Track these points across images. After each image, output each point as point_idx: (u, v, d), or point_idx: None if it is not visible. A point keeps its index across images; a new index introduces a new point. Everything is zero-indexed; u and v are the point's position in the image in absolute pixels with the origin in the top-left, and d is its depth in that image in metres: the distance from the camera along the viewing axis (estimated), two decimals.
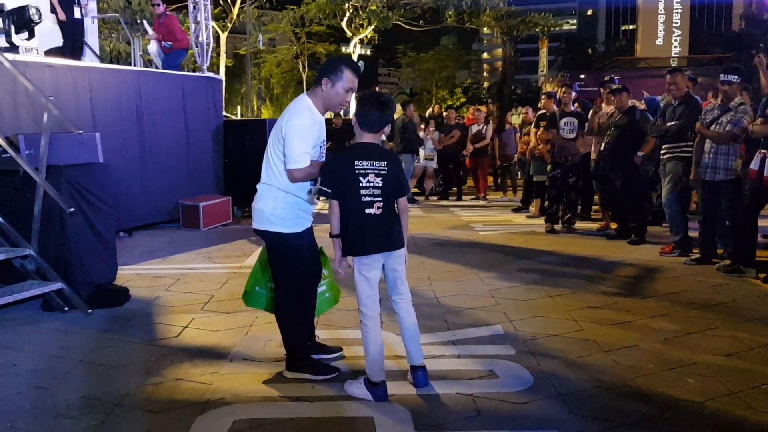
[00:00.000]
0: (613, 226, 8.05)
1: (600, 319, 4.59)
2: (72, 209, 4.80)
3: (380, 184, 3.20)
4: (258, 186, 3.47)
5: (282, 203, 3.38)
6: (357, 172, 3.17)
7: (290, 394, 3.35)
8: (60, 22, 8.41)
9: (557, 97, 8.89)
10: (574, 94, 8.57)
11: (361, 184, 3.17)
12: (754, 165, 5.61)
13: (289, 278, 3.48)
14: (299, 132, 3.27)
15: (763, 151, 5.54)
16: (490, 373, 3.59)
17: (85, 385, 3.51)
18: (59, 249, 4.90)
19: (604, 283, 5.65)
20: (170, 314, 4.79)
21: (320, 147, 3.44)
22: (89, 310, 4.76)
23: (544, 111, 9.30)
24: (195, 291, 5.42)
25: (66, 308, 4.78)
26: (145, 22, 11.11)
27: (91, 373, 3.68)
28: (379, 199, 3.20)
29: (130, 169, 8.02)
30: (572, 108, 8.25)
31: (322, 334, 4.09)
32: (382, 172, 3.20)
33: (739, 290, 5.36)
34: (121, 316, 4.75)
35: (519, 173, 11.95)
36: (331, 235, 3.28)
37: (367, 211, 3.19)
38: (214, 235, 8.26)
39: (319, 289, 3.75)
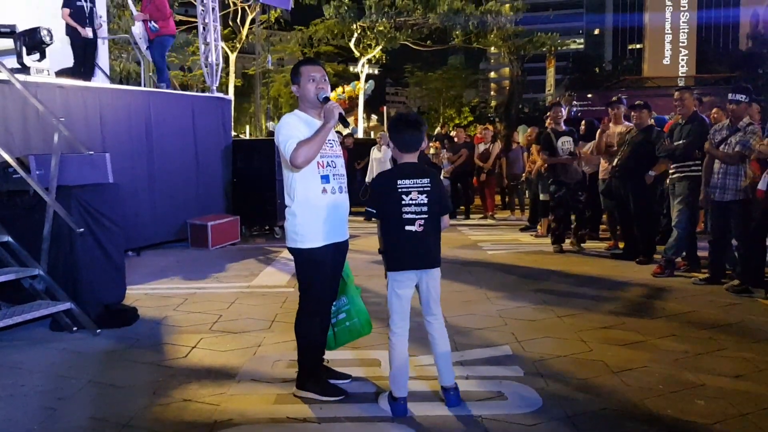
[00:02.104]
0: (621, 245, 8.02)
1: (609, 339, 4.57)
2: (81, 229, 4.83)
3: (425, 201, 3.29)
4: (286, 209, 3.55)
5: (300, 219, 3.43)
6: (400, 190, 3.29)
7: (298, 415, 3.35)
8: (72, 44, 8.54)
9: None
10: (563, 112, 8.61)
11: (403, 202, 3.28)
12: (761, 185, 5.60)
13: (313, 291, 3.51)
14: (281, 130, 3.38)
15: None
16: (498, 394, 3.58)
17: (93, 406, 3.51)
18: (68, 269, 4.93)
19: (613, 304, 5.62)
20: (178, 334, 4.80)
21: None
22: (98, 330, 4.77)
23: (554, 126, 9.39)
24: (203, 311, 5.43)
25: (74, 328, 4.79)
26: (130, 1, 10.58)
27: (99, 393, 3.68)
28: (424, 216, 3.29)
29: (139, 188, 8.08)
30: (563, 127, 8.24)
31: (340, 354, 4.07)
32: (426, 189, 3.30)
33: (748, 311, 5.32)
34: (130, 336, 4.76)
35: (526, 192, 11.95)
36: (380, 251, 3.44)
37: (407, 228, 3.28)
38: (223, 254, 8.28)
39: (339, 317, 3.74)
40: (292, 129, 3.37)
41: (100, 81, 9.39)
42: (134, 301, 5.56)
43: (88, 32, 8.51)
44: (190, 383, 3.79)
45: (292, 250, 3.51)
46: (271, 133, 20.48)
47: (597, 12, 73.58)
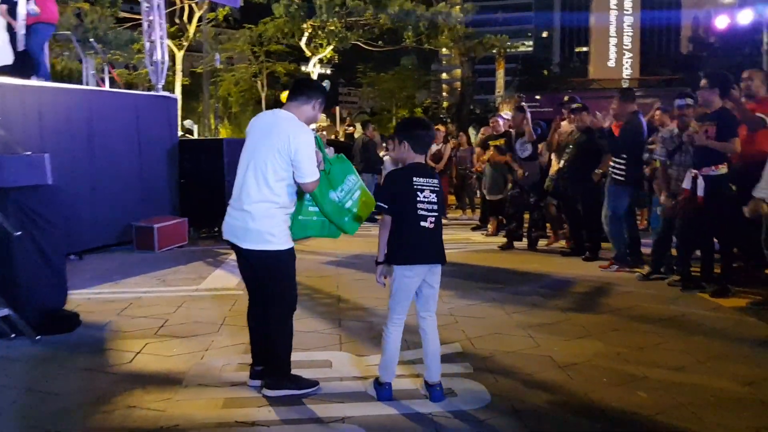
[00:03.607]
0: (563, 243, 8.22)
1: (556, 334, 4.66)
2: (19, 232, 4.66)
3: (435, 200, 3.45)
4: (248, 207, 3.47)
5: (278, 221, 3.48)
6: (415, 187, 3.42)
7: (247, 419, 3.30)
8: (11, 42, 8.21)
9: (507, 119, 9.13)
10: (501, 123, 8.95)
11: (418, 199, 3.41)
12: (686, 184, 5.72)
13: (290, 291, 3.61)
14: (311, 147, 3.49)
15: (694, 171, 5.67)
16: (448, 391, 3.60)
17: (33, 415, 3.39)
18: (5, 274, 4.73)
19: (560, 300, 5.73)
20: (122, 340, 4.67)
21: None
22: (37, 337, 4.60)
23: (492, 132, 9.58)
24: (148, 315, 5.29)
25: (12, 335, 4.60)
26: None
27: (40, 402, 3.56)
28: (434, 214, 3.44)
29: (80, 190, 7.82)
30: (524, 128, 8.41)
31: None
32: (435, 188, 3.46)
33: (688, 305, 5.49)
34: (71, 342, 4.61)
35: (477, 192, 12.07)
36: (377, 263, 3.50)
37: (422, 224, 3.41)
38: (169, 257, 8.10)
39: (355, 195, 3.75)
40: (313, 146, 3.51)
41: (39, 79, 9.06)
42: (76, 307, 5.37)
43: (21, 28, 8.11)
44: (134, 389, 3.69)
45: (266, 253, 3.47)
46: (190, 131, 20.12)
47: (545, 10, 75.11)
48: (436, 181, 3.48)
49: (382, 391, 3.51)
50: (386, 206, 3.45)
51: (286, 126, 3.47)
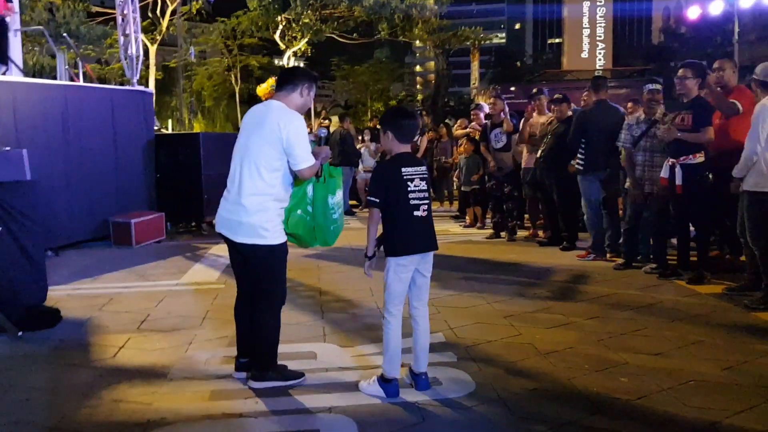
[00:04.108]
0: (541, 234, 8.31)
1: (537, 323, 4.72)
2: None
3: (425, 188, 3.45)
4: (243, 200, 3.44)
5: (272, 215, 3.47)
6: (405, 177, 3.40)
7: (234, 411, 3.31)
8: None
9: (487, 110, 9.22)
10: (482, 115, 9.07)
11: (409, 188, 3.40)
12: (663, 173, 5.80)
13: (280, 286, 3.60)
14: (302, 133, 3.45)
15: (672, 159, 5.74)
16: (433, 380, 3.63)
17: (18, 410, 3.36)
18: None
19: (540, 289, 5.81)
20: (105, 335, 4.64)
21: None
22: (19, 333, 4.56)
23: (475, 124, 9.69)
24: (130, 310, 5.26)
25: None
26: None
27: (24, 397, 3.53)
28: (426, 201, 3.44)
29: (56, 185, 7.72)
30: (501, 118, 8.46)
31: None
32: (424, 176, 3.46)
33: (665, 292, 5.60)
34: (53, 338, 4.57)
35: (455, 183, 12.14)
36: (366, 256, 3.50)
37: (415, 213, 3.41)
38: (148, 252, 8.04)
39: (340, 210, 3.79)
40: (306, 132, 3.48)
41: (13, 74, 8.90)
42: (56, 303, 5.30)
43: None
44: (119, 383, 3.67)
45: (258, 247, 3.46)
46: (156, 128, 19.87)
47: (518, 2, 75.53)
48: (424, 168, 3.47)
49: (389, 387, 3.44)
50: (377, 200, 3.41)
51: (276, 115, 3.45)
